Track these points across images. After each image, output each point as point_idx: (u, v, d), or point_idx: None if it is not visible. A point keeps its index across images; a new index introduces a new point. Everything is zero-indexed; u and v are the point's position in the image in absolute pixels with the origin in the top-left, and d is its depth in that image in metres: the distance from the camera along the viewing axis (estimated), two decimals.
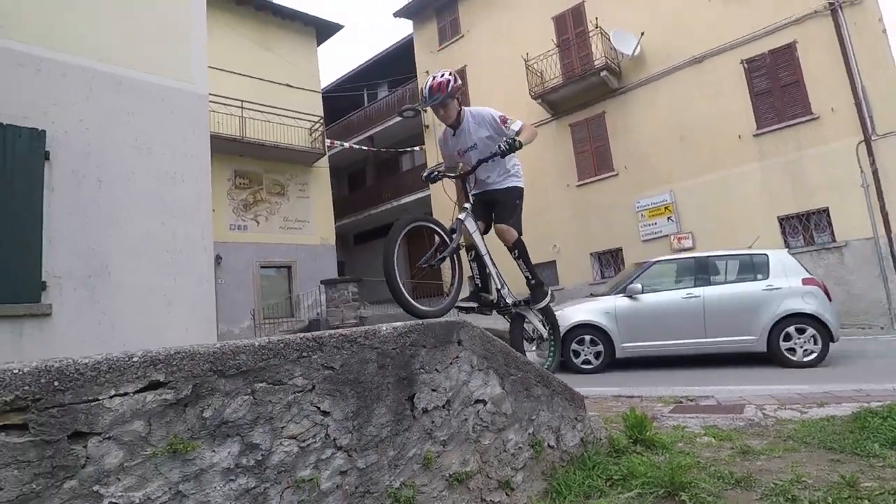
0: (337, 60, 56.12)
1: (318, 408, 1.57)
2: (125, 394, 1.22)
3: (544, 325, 3.37)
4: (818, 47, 10.55)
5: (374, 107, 21.14)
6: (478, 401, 2.13)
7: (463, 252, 3.03)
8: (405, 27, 20.02)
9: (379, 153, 20.31)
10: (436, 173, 3.14)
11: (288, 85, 16.20)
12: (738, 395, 4.62)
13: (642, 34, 12.50)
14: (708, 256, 7.31)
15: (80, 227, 4.45)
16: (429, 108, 3.22)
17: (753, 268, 6.88)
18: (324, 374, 1.60)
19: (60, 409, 1.13)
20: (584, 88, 13.37)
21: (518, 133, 2.94)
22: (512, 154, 3.05)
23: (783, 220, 10.93)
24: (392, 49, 20.34)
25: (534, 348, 3.40)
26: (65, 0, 4.77)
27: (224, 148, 13.83)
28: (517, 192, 3.18)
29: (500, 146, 2.86)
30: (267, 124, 15.00)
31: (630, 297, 6.98)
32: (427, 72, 17.40)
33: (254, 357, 1.45)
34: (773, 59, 11.06)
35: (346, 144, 18.89)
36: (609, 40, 12.79)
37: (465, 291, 3.15)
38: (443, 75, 2.95)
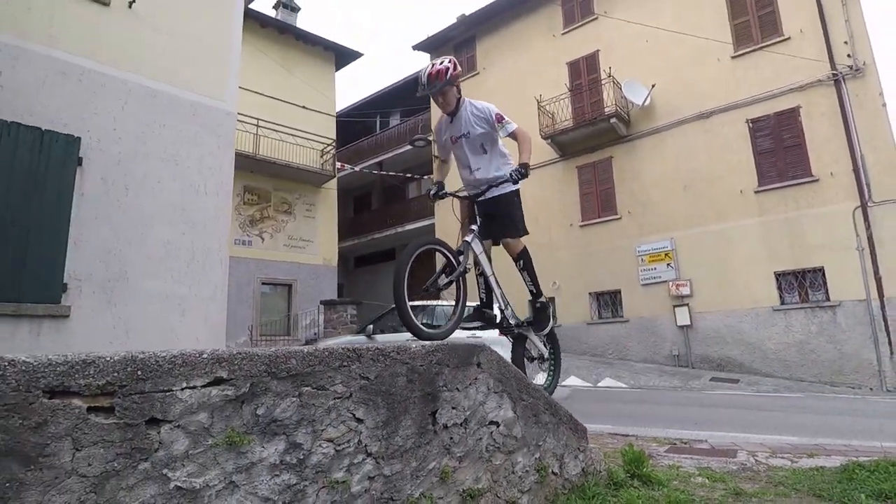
0: (353, 85, 57.36)
1: (354, 415, 1.70)
2: (194, 387, 1.35)
3: (545, 345, 3.37)
4: (821, 114, 10.97)
5: (386, 134, 21.62)
6: (492, 422, 2.25)
7: (470, 273, 3.02)
8: (422, 59, 20.65)
9: (386, 178, 20.65)
10: (444, 192, 3.07)
11: (304, 107, 16.64)
12: (730, 440, 4.71)
13: (653, 86, 12.97)
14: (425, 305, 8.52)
15: (105, 232, 4.60)
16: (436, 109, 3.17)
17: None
18: (360, 384, 1.73)
19: (141, 396, 1.26)
20: (594, 133, 13.77)
21: (521, 150, 2.96)
22: (503, 150, 3.11)
23: (780, 276, 11.14)
24: (407, 79, 20.96)
25: (539, 368, 3.40)
26: (112, 16, 5.04)
27: (236, 163, 14.06)
28: (515, 197, 3.13)
29: (511, 175, 2.88)
30: (280, 143, 15.34)
31: (367, 336, 7.92)
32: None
33: (302, 362, 1.58)
34: (777, 121, 11.47)
35: (356, 168, 19.24)
36: (620, 89, 13.26)
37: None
38: (442, 62, 2.91)
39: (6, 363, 1.09)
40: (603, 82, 13.88)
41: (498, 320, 3.11)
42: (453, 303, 3.00)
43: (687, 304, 12.06)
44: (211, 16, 5.75)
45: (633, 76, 13.32)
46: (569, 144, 14.44)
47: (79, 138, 4.54)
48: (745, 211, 11.65)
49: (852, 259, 10.28)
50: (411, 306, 2.52)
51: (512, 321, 3.12)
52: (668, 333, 12.36)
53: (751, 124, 11.77)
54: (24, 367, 1.10)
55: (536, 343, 3.29)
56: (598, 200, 14.00)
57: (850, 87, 10.74)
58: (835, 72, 10.82)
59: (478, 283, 3.16)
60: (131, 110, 4.92)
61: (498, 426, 2.28)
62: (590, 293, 13.82)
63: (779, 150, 11.41)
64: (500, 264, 3.29)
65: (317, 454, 1.58)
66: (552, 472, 2.54)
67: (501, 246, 3.15)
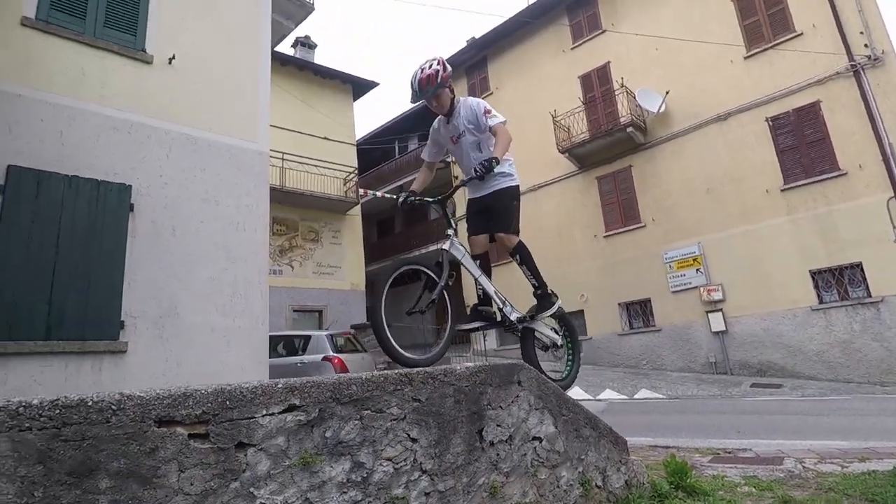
0: (372, 112, 58.66)
1: (409, 434, 1.85)
2: (272, 413, 1.52)
3: (558, 332, 3.20)
4: (842, 106, 10.85)
5: (405, 158, 22.06)
6: (534, 438, 2.36)
7: (469, 279, 2.88)
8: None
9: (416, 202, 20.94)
10: (412, 199, 2.98)
11: (325, 138, 17.17)
12: (776, 448, 4.67)
13: (667, 93, 13.03)
14: (289, 335, 9.33)
15: (156, 272, 4.90)
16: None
17: (304, 344, 8.92)
18: (413, 406, 1.88)
19: (230, 423, 1.43)
20: (611, 143, 13.85)
21: (494, 145, 2.83)
22: (506, 157, 2.97)
23: (815, 274, 10.92)
24: (423, 104, 21.37)
25: (555, 357, 3.20)
26: (154, 72, 5.43)
27: None
28: (511, 193, 3.04)
29: (475, 170, 2.70)
30: (304, 174, 15.85)
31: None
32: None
33: (362, 388, 1.75)
34: (797, 117, 11.38)
35: (378, 193, 19.63)
36: (634, 98, 13.35)
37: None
38: (430, 66, 2.82)
39: (125, 397, 1.28)
40: (616, 93, 13.99)
41: (498, 319, 2.94)
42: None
43: (720, 309, 11.89)
44: (241, 65, 6.12)
45: (646, 84, 13.41)
46: (586, 156, 14.53)
47: (130, 186, 4.89)
48: (772, 210, 11.50)
49: (891, 252, 10.02)
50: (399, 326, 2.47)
51: (512, 317, 2.93)
52: (702, 340, 12.18)
53: (770, 122, 11.69)
54: (138, 401, 1.29)
55: (546, 332, 3.11)
56: (621, 210, 14.00)
57: (870, 77, 10.61)
58: (853, 63, 10.72)
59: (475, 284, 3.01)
60: (175, 157, 5.26)
61: (541, 441, 2.39)
62: (619, 303, 13.74)
63: (802, 146, 11.29)
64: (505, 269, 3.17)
65: (378, 472, 1.73)
66: (596, 485, 2.63)
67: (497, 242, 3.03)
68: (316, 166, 16.11)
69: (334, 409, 1.66)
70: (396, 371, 1.89)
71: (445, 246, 2.78)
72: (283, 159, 15.53)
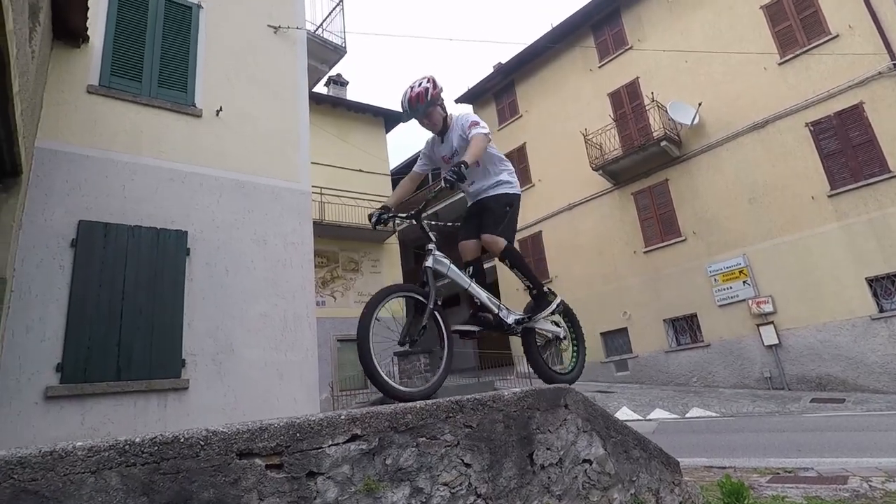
0: (404, 142, 60.02)
1: (462, 460, 1.94)
2: (337, 443, 1.65)
3: (558, 325, 3.03)
4: (888, 106, 10.48)
5: (439, 184, 22.41)
6: (584, 460, 2.40)
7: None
8: (466, 109, 21.44)
9: (442, 228, 21.24)
10: (385, 216, 2.80)
11: (360, 170, 17.72)
12: (839, 466, 4.47)
13: (700, 104, 12.90)
14: None
15: (212, 311, 5.20)
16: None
17: None
18: (465, 432, 1.98)
19: (301, 454, 1.57)
20: (645, 158, 13.75)
21: (467, 150, 2.66)
22: (498, 155, 2.95)
23: (872, 282, 10.41)
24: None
25: (559, 349, 3.05)
26: (203, 125, 5.85)
27: None
28: (507, 199, 2.93)
29: (444, 178, 2.55)
30: (342, 207, 16.35)
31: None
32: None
33: (416, 417, 1.86)
34: (840, 120, 11.04)
35: (414, 221, 19.96)
36: (666, 112, 13.26)
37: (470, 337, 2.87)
38: (420, 84, 2.76)
39: (211, 433, 1.43)
40: (647, 108, 13.94)
41: (494, 323, 2.79)
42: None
43: (772, 322, 11.45)
44: (282, 111, 6.51)
45: (677, 97, 13.33)
46: (621, 173, 14.45)
47: (186, 232, 5.24)
48: (820, 217, 11.10)
49: None
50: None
51: (509, 320, 2.77)
52: (755, 355, 11.72)
53: (812, 128, 11.38)
54: (222, 436, 1.44)
55: (546, 328, 2.95)
56: (660, 224, 13.78)
57: None
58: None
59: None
60: (225, 202, 5.61)
61: (591, 464, 2.43)
62: (664, 320, 13.41)
63: (847, 149, 10.92)
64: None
65: (436, 497, 1.82)
66: None
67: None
68: (353, 198, 16.60)
69: (393, 438, 1.77)
70: (447, 399, 1.99)
71: (428, 262, 2.62)
72: (321, 193, 16.08)
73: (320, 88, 19.24)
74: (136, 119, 5.47)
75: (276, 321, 5.52)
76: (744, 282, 12.02)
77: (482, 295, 2.77)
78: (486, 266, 3.18)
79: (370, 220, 2.81)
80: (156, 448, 1.35)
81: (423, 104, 2.75)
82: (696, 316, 12.86)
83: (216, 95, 6.03)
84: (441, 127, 2.89)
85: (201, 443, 1.42)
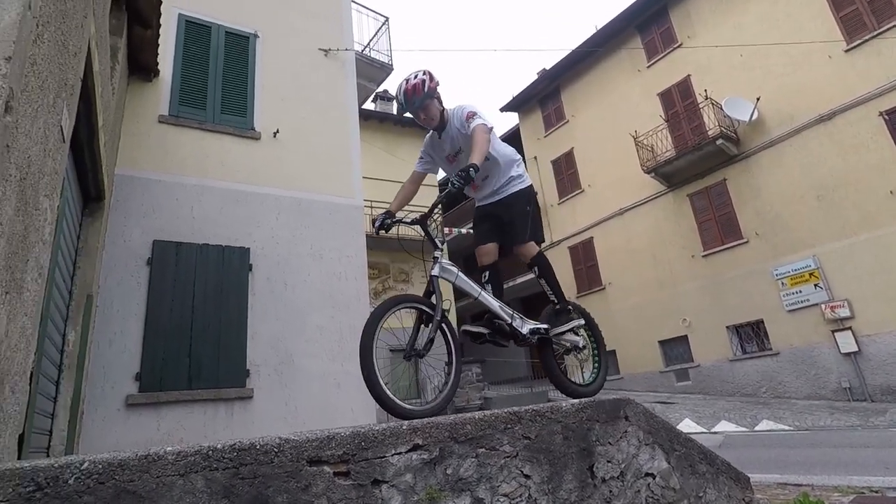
0: None
1: (522, 471, 1.94)
2: (400, 453, 1.70)
3: (577, 334, 2.84)
4: None
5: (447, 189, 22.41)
6: (647, 474, 2.35)
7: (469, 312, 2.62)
8: (512, 118, 21.45)
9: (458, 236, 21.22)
10: (388, 221, 2.68)
11: None
12: None
13: (758, 99, 12.33)
14: None
15: (273, 323, 5.43)
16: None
17: None
18: (524, 443, 1.98)
19: (366, 463, 1.63)
20: (700, 158, 13.25)
21: (472, 151, 2.48)
22: (508, 152, 2.78)
23: None
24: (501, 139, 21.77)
25: (577, 359, 2.89)
26: (263, 146, 6.16)
27: None
28: (525, 197, 2.78)
29: (451, 182, 2.40)
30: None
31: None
32: (535, 157, 18.37)
33: (475, 427, 1.89)
34: None
35: (462, 231, 20.07)
36: (722, 109, 12.75)
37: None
38: (416, 76, 2.64)
39: (283, 441, 1.52)
40: (701, 106, 13.45)
41: (509, 332, 2.64)
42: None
43: (849, 328, 10.68)
44: (334, 130, 6.77)
45: (732, 93, 12.80)
46: (675, 174, 13.98)
47: (248, 249, 5.53)
48: None
49: None
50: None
51: (524, 330, 2.62)
52: (831, 363, 10.96)
53: (886, 117, 10.62)
54: (294, 444, 1.53)
55: (566, 338, 2.79)
56: (718, 226, 13.21)
57: None
58: None
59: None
60: (284, 219, 5.88)
61: (654, 478, 2.36)
62: (727, 326, 12.79)
63: None
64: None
65: None
66: None
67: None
68: (402, 210, 16.89)
69: (453, 448, 1.81)
70: (506, 410, 2.01)
71: (435, 271, 2.49)
72: (371, 207, 16.45)
73: (368, 105, 19.79)
74: (202, 144, 5.84)
75: (333, 332, 5.69)
76: (815, 285, 11.30)
77: (494, 304, 2.61)
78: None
79: (373, 225, 2.72)
80: (235, 454, 1.45)
81: (419, 96, 2.60)
82: (762, 322, 12.20)
83: (273, 118, 6.35)
84: (438, 122, 2.73)
85: (275, 450, 1.50)
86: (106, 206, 4.58)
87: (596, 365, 2.91)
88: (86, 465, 1.24)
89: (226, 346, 5.07)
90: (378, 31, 10.20)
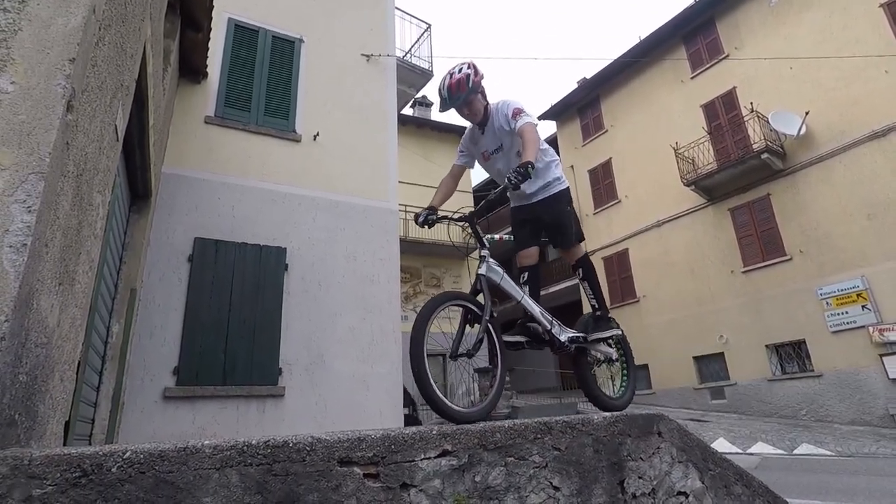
0: None
1: (551, 483, 1.91)
2: (429, 458, 1.70)
3: (610, 346, 2.82)
4: None
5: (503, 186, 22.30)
6: (680, 492, 2.28)
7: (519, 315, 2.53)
8: (549, 126, 21.32)
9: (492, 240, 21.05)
10: (433, 216, 2.62)
11: None
12: None
13: (807, 113, 11.88)
14: None
15: (305, 323, 5.53)
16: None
17: None
18: (553, 454, 1.96)
19: (395, 466, 1.64)
20: (743, 172, 12.85)
21: (523, 148, 2.44)
22: (543, 146, 2.66)
23: None
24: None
25: (609, 372, 2.86)
26: (302, 148, 6.29)
27: None
28: (565, 198, 2.73)
29: (508, 178, 2.29)
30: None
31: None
32: (572, 166, 18.17)
33: (505, 436, 1.87)
34: None
35: (496, 237, 19.87)
36: (768, 122, 12.35)
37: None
38: (460, 70, 2.54)
39: (315, 440, 1.54)
40: (746, 118, 13.05)
41: (546, 339, 2.57)
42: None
43: None
44: (373, 134, 6.87)
45: (779, 106, 12.38)
46: (716, 188, 13.59)
47: (284, 248, 5.65)
48: None
49: None
50: None
51: (562, 337, 2.55)
52: (878, 388, 10.41)
53: None
54: (325, 444, 1.55)
55: (599, 348, 2.76)
56: (760, 242, 12.76)
57: None
58: None
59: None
60: (320, 221, 5.99)
61: (687, 497, 2.29)
62: (766, 345, 12.32)
63: None
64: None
65: None
66: None
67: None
68: (436, 216, 16.96)
69: (482, 455, 1.80)
70: (536, 420, 1.98)
71: (482, 270, 2.39)
72: (405, 211, 16.58)
73: (406, 110, 20.01)
74: (245, 145, 6.02)
75: (364, 334, 5.75)
76: (863, 306, 10.77)
77: (535, 309, 2.52)
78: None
79: (416, 220, 2.64)
80: (269, 451, 1.48)
81: (463, 92, 2.51)
82: (804, 342, 11.69)
83: (313, 121, 6.49)
84: (482, 117, 2.65)
85: (307, 448, 1.53)
86: (152, 204, 4.76)
87: (625, 379, 2.86)
88: (128, 454, 1.28)
89: (260, 344, 5.18)
90: (420, 37, 10.31)
